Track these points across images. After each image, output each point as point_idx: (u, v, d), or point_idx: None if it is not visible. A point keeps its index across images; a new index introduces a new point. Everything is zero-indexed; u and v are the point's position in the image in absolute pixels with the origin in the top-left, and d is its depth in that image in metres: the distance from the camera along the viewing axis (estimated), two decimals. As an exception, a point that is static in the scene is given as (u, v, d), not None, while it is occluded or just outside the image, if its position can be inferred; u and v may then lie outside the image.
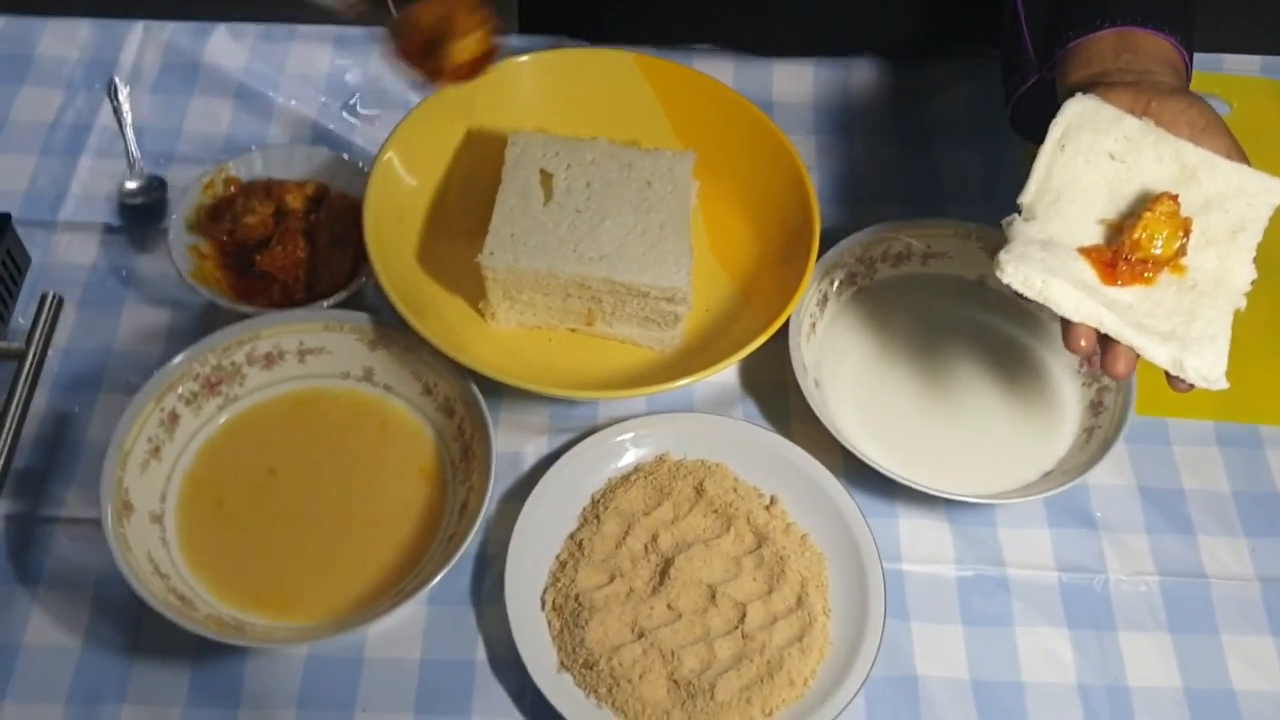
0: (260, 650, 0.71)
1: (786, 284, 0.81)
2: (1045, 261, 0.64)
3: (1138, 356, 0.64)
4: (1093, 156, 0.68)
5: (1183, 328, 0.64)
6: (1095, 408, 0.81)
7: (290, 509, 0.75)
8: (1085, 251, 0.66)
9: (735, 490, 0.78)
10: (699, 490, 0.77)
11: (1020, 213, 0.69)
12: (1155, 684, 0.73)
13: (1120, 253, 0.66)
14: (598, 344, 0.84)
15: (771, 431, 0.81)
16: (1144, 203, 0.67)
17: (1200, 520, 0.80)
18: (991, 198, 0.96)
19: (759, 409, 0.84)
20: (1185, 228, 0.66)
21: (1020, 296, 0.65)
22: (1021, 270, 0.64)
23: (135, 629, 0.72)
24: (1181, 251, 0.66)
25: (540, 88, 0.91)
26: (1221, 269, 0.67)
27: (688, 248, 0.80)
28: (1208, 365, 0.63)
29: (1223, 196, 0.68)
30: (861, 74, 1.03)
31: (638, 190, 0.82)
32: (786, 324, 0.80)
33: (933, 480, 0.76)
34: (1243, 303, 0.66)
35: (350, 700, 0.70)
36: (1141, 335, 0.64)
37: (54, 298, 0.84)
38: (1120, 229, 0.67)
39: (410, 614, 0.73)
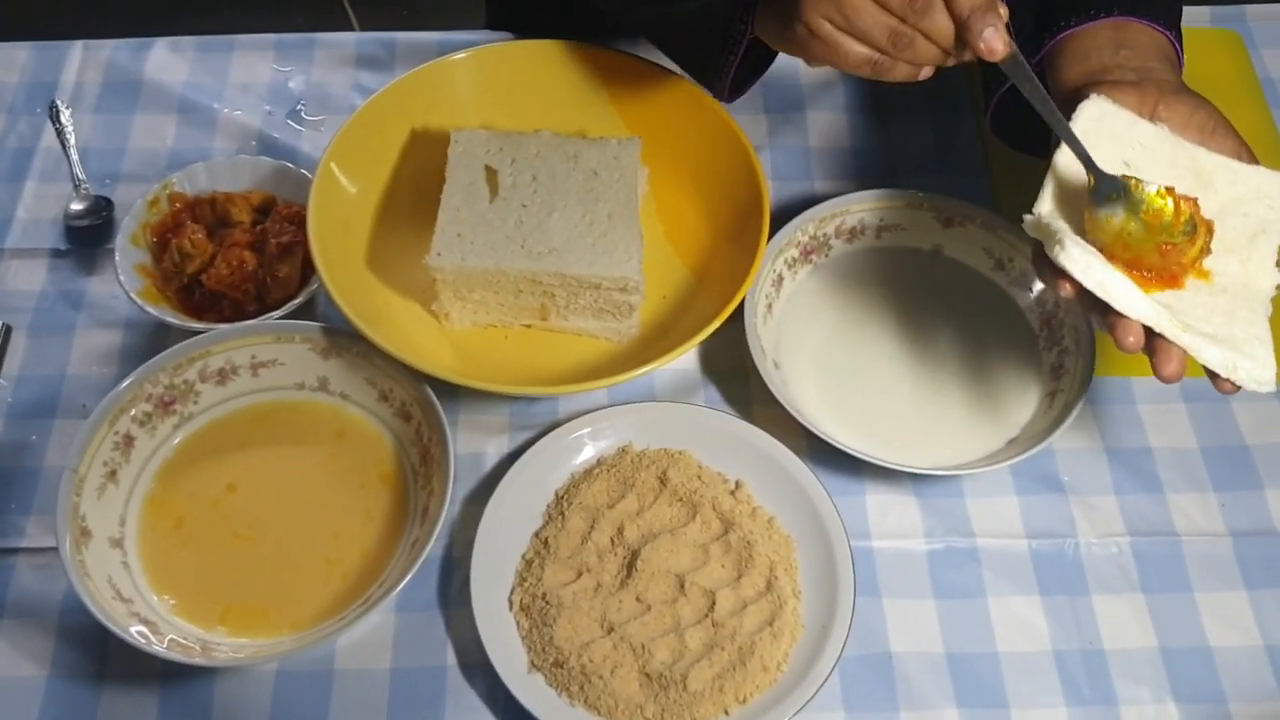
0: (229, 669, 0.70)
1: (739, 266, 0.80)
2: (1089, 250, 0.62)
3: (1186, 359, 0.62)
4: (1109, 164, 0.65)
5: (1225, 329, 0.63)
6: (1056, 371, 0.81)
7: (251, 524, 0.75)
8: (1111, 256, 0.64)
9: (699, 477, 0.77)
10: (663, 480, 0.76)
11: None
12: (1130, 645, 0.73)
13: (1140, 254, 0.64)
14: (554, 339, 0.84)
15: (734, 416, 0.80)
16: None
17: (1169, 478, 0.80)
18: (944, 169, 0.95)
19: (720, 394, 0.83)
20: (1209, 228, 0.65)
21: (1048, 276, 0.63)
22: (1084, 257, 0.61)
23: (101, 656, 0.71)
24: (1206, 252, 0.65)
25: (482, 83, 0.90)
26: (1245, 274, 0.66)
27: (637, 236, 0.79)
28: (1260, 368, 0.62)
29: (1240, 201, 0.67)
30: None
31: (584, 181, 0.82)
32: (743, 306, 0.79)
33: (897, 455, 0.76)
34: (1270, 308, 0.65)
35: (323, 713, 0.70)
36: (1192, 336, 0.61)
37: (2, 327, 0.83)
38: None
39: (378, 623, 0.72)
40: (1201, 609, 0.75)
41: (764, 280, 0.83)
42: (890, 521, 0.78)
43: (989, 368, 0.83)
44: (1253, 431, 0.82)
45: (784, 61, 1.00)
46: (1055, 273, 0.63)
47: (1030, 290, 0.84)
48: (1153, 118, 0.68)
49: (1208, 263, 0.65)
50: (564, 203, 0.80)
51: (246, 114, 0.97)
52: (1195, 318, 0.63)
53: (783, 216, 0.85)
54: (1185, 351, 0.62)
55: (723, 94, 0.82)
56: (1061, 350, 0.81)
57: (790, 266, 0.85)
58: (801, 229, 0.85)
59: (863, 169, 0.95)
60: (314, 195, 0.80)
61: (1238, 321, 0.64)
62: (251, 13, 1.25)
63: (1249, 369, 0.62)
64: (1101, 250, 0.63)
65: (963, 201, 0.86)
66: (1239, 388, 0.63)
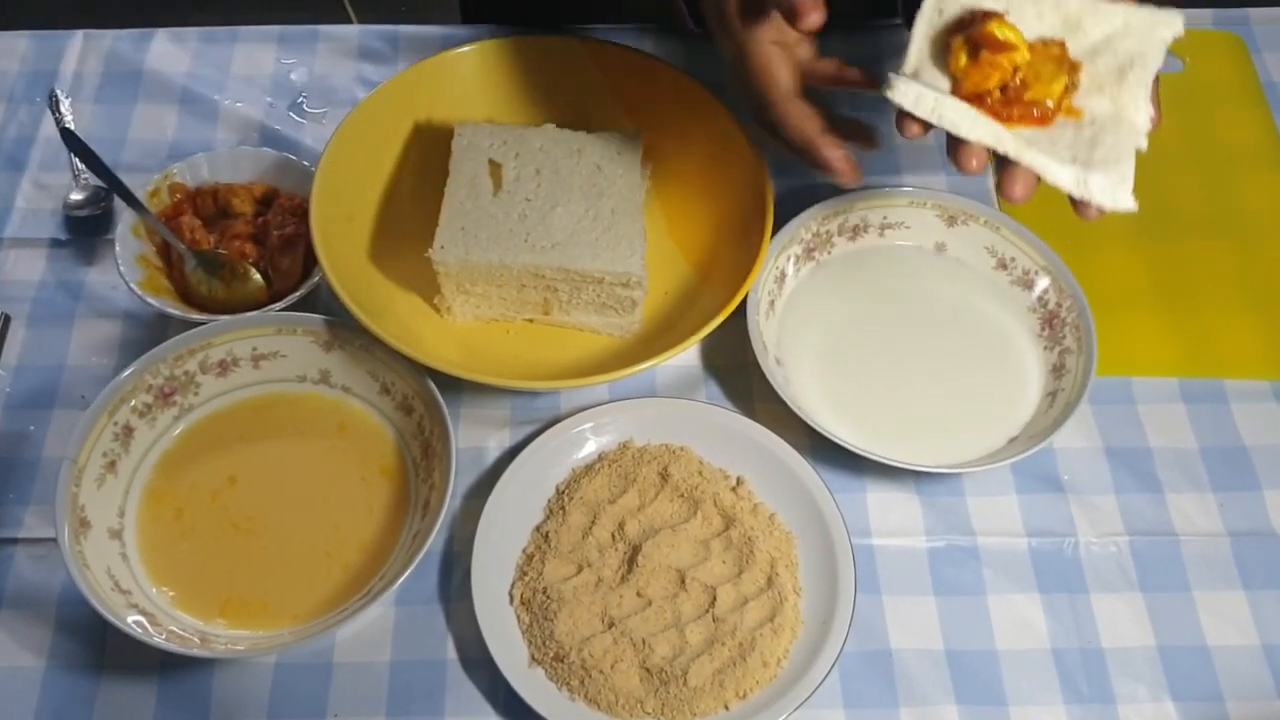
0: (228, 660, 0.70)
1: (743, 262, 0.80)
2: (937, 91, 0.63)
3: (1038, 181, 0.63)
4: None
5: (1085, 154, 0.63)
6: (1057, 371, 0.81)
7: (252, 516, 0.74)
8: (974, 99, 0.65)
9: (700, 473, 0.77)
10: (664, 475, 0.76)
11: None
12: (1129, 644, 0.73)
13: (1008, 94, 0.65)
14: (556, 334, 0.84)
15: (735, 412, 0.80)
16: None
17: (1168, 478, 0.80)
18: (948, 165, 0.94)
19: (722, 390, 0.83)
20: (1072, 67, 0.66)
21: (900, 124, 0.64)
22: (913, 89, 0.62)
23: (100, 646, 0.71)
24: (1071, 88, 0.65)
25: (487, 78, 0.90)
26: (1116, 108, 0.66)
27: (640, 231, 0.79)
28: (1113, 184, 0.62)
29: (1109, 40, 0.67)
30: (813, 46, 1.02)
31: (588, 175, 0.82)
32: (745, 303, 0.79)
33: (899, 453, 0.76)
34: (1144, 143, 0.65)
35: (321, 706, 0.70)
36: (1036, 154, 0.62)
37: (2, 316, 0.82)
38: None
39: (378, 616, 0.72)
40: (1200, 608, 0.75)
41: (766, 277, 0.83)
42: (891, 519, 0.78)
43: (990, 367, 0.83)
44: (1251, 432, 0.82)
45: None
46: (902, 117, 0.64)
47: (1032, 290, 0.84)
48: None
49: (1078, 101, 0.66)
50: (567, 197, 0.80)
51: (248, 106, 0.97)
52: (1057, 148, 0.63)
53: (785, 213, 0.85)
54: (1036, 175, 0.62)
55: (685, 22, 0.79)
56: (1063, 350, 0.81)
57: (793, 263, 0.85)
58: (805, 226, 0.85)
59: (866, 166, 0.94)
60: (317, 187, 0.80)
61: (1099, 147, 0.64)
62: (251, 6, 1.24)
63: (1100, 185, 0.62)
64: (956, 93, 0.64)
65: (966, 199, 0.86)
66: (1101, 211, 0.63)
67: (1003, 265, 0.85)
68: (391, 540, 0.73)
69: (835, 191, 0.87)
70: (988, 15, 0.65)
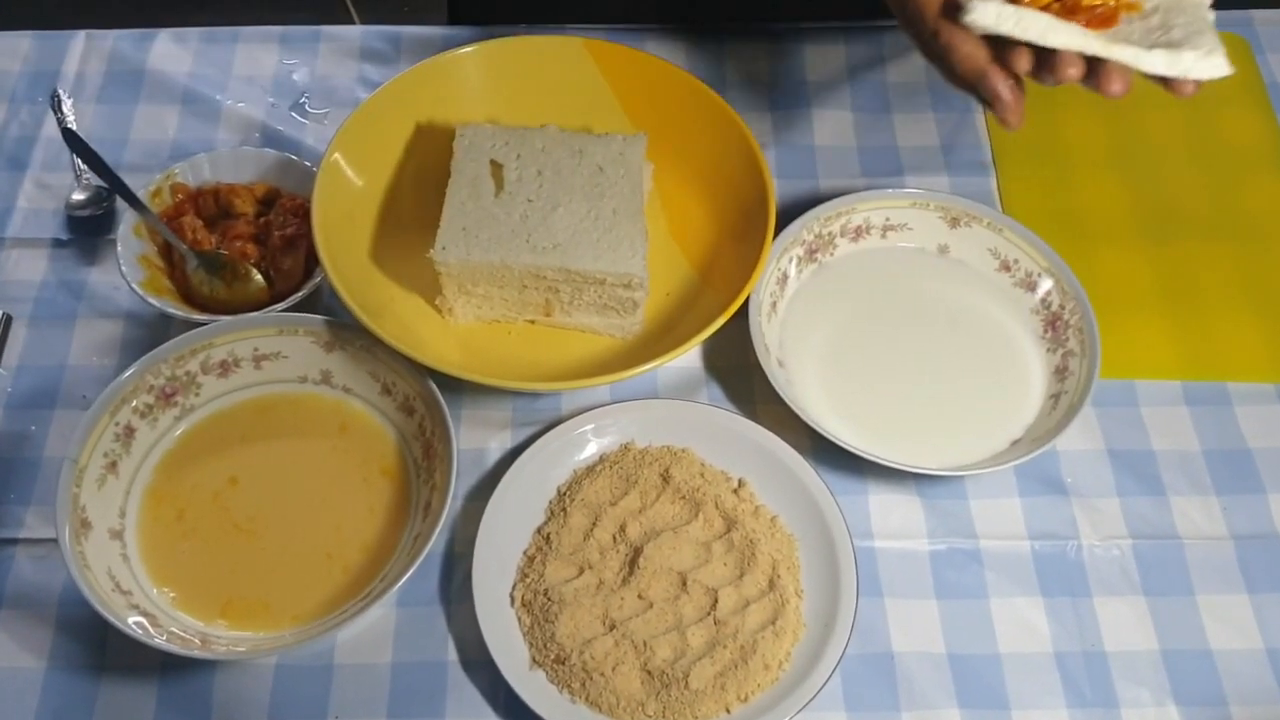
0: (229, 662, 0.70)
1: (745, 264, 0.80)
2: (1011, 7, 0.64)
3: (1131, 73, 0.63)
4: None
5: (1162, 38, 0.64)
6: (1060, 373, 0.80)
7: (253, 517, 0.74)
8: (1043, 7, 0.65)
9: (702, 475, 0.77)
10: (665, 477, 0.76)
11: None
12: (1132, 648, 0.73)
13: (1066, 7, 0.65)
14: (558, 334, 0.84)
15: (737, 414, 0.80)
16: None
17: (1171, 481, 0.80)
18: (950, 166, 0.95)
19: (724, 392, 0.83)
20: None
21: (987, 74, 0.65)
22: (991, 8, 0.63)
23: (100, 647, 0.71)
24: None
25: (488, 78, 0.89)
26: None
27: (642, 232, 0.79)
28: (1205, 54, 0.63)
29: None
30: (815, 47, 1.02)
31: (590, 176, 0.81)
32: (747, 304, 0.79)
33: (901, 455, 0.76)
34: (1211, 15, 0.66)
35: (322, 707, 0.70)
36: (1124, 47, 0.63)
37: (3, 316, 0.82)
38: None
39: (379, 617, 0.72)
40: (1203, 611, 0.74)
41: (768, 278, 0.82)
42: (893, 521, 0.77)
43: (993, 369, 0.83)
44: (1255, 435, 0.82)
45: (790, 59, 1.01)
46: (1007, 49, 0.64)
47: (1035, 292, 0.84)
48: None
49: None
50: (569, 198, 0.80)
51: (250, 106, 0.97)
52: (1131, 41, 0.64)
53: (787, 214, 0.85)
54: (1128, 69, 0.63)
55: None
56: (1066, 352, 0.81)
57: (796, 265, 0.85)
58: (807, 227, 0.85)
59: (868, 167, 0.95)
60: (319, 188, 0.80)
61: (1174, 29, 0.65)
62: (253, 6, 1.24)
63: (1193, 58, 0.63)
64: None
65: (969, 201, 0.86)
66: (1198, 84, 0.64)
67: (1005, 267, 0.85)
68: (392, 541, 0.73)
69: (838, 192, 0.87)
70: None
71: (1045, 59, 0.64)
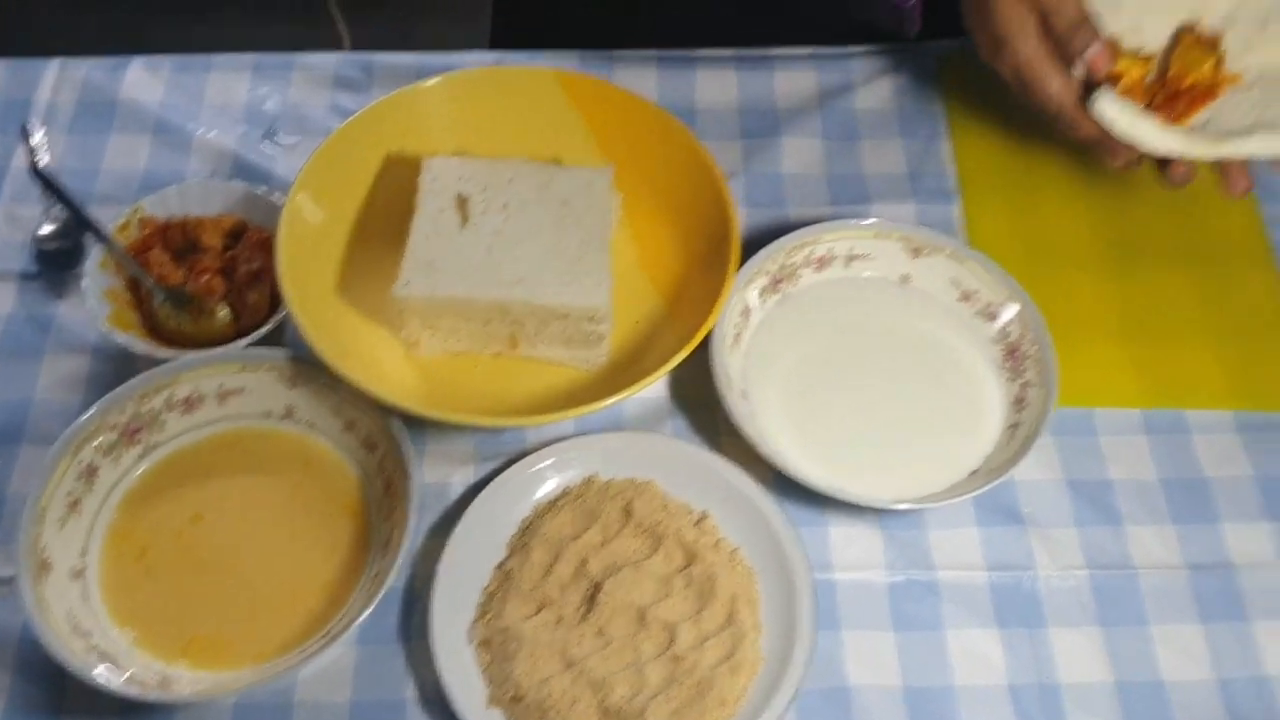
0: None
1: (710, 295, 0.80)
2: (1128, 104, 0.73)
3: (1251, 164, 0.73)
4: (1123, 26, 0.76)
5: (1264, 116, 0.72)
6: (1019, 404, 0.81)
7: (215, 555, 0.75)
8: (1150, 106, 0.75)
9: (664, 509, 0.77)
10: (627, 511, 0.77)
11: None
12: (1086, 679, 0.74)
13: (1168, 91, 0.75)
14: (524, 366, 0.84)
15: (701, 446, 0.81)
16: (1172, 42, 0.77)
17: (1128, 510, 0.80)
18: (918, 193, 0.95)
19: (689, 423, 0.84)
20: (1212, 42, 0.76)
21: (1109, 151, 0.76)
22: (1112, 107, 0.72)
23: (60, 690, 0.71)
24: (1220, 61, 0.75)
25: (458, 109, 0.90)
26: (1268, 61, 0.75)
27: (606, 265, 0.80)
28: None
29: (1239, 3, 0.76)
30: (785, 73, 1.02)
31: (555, 209, 0.82)
32: (711, 336, 0.79)
33: (862, 485, 0.77)
34: None
35: (283, 744, 0.70)
36: (1225, 144, 0.71)
37: (-30, 351, 0.83)
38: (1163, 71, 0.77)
39: (339, 656, 0.73)
40: (1157, 642, 0.75)
41: (733, 310, 0.83)
42: (853, 553, 0.78)
43: (954, 399, 0.83)
44: (1211, 464, 0.82)
45: (759, 87, 1.02)
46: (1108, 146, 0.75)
47: (995, 322, 0.85)
48: None
49: (1232, 66, 0.75)
50: (535, 231, 0.81)
51: (222, 135, 0.97)
52: (1236, 119, 0.72)
53: (756, 243, 0.85)
54: (1241, 160, 0.72)
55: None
56: (1024, 383, 0.82)
57: (760, 296, 0.86)
58: (771, 258, 0.86)
59: (836, 195, 0.96)
60: (283, 223, 0.80)
61: (1271, 107, 0.72)
62: (237, 24, 1.25)
63: None
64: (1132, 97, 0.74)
65: (932, 231, 0.86)
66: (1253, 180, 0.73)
67: (966, 297, 0.86)
68: (354, 579, 0.74)
69: (806, 220, 0.88)
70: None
71: (1160, 163, 0.75)
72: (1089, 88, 0.74)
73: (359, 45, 1.18)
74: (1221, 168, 0.73)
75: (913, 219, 0.94)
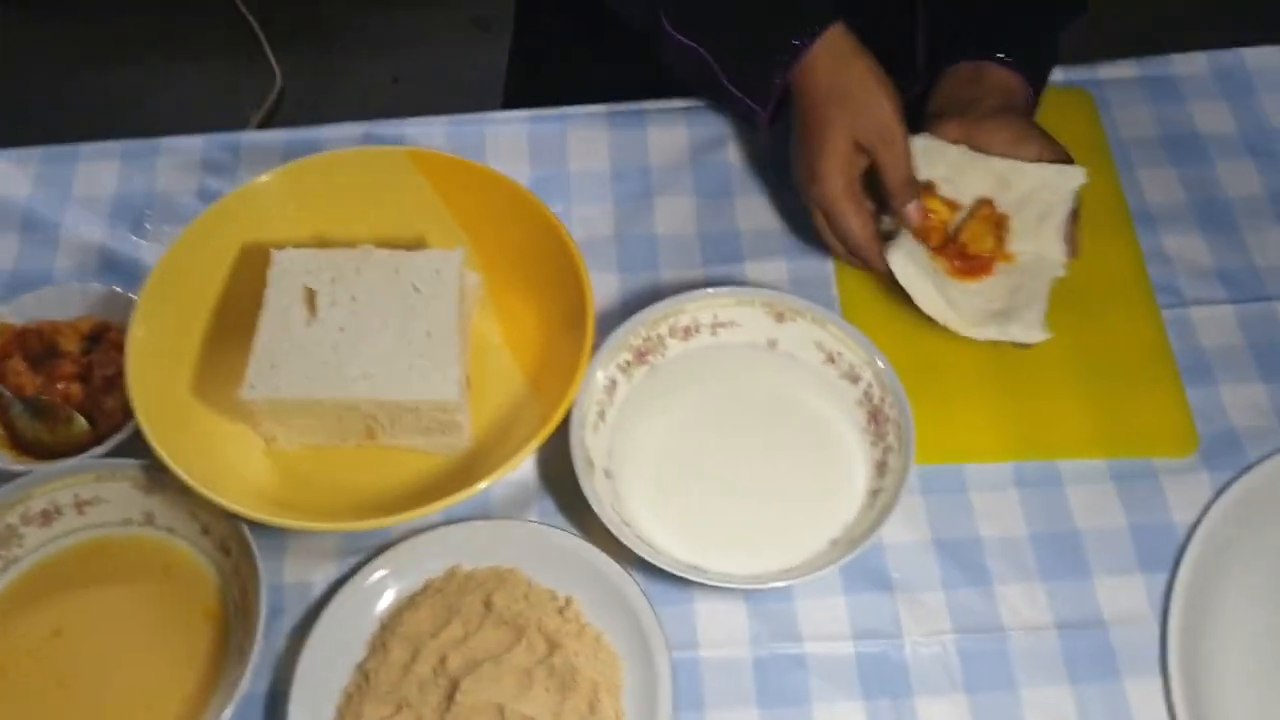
0: (48, 823, 0.70)
1: (570, 373, 0.80)
2: (919, 259, 0.82)
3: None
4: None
5: (1009, 302, 0.82)
6: (880, 469, 0.81)
7: (74, 671, 0.74)
8: (938, 251, 0.85)
9: (527, 598, 0.77)
10: (488, 604, 0.76)
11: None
12: (952, 749, 0.73)
13: (957, 250, 0.85)
14: (387, 455, 0.84)
15: (566, 530, 0.80)
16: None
17: (997, 569, 0.80)
18: (788, 251, 0.95)
19: (557, 503, 0.83)
20: (999, 223, 0.85)
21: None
22: (903, 262, 0.81)
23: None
24: (1000, 241, 0.85)
25: (311, 196, 0.89)
26: (1039, 250, 0.84)
27: (455, 353, 0.79)
28: (1027, 325, 0.80)
29: (1033, 193, 0.85)
30: (656, 129, 1.02)
31: (404, 297, 0.81)
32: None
33: (728, 559, 0.77)
34: (1062, 271, 0.84)
35: None
36: (970, 327, 0.81)
37: None
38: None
39: (196, 769, 0.72)
40: (1025, 706, 0.75)
41: (595, 386, 0.83)
42: (718, 630, 0.78)
43: (820, 466, 0.83)
44: (1083, 514, 0.82)
45: (633, 150, 1.01)
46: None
47: (858, 384, 0.84)
48: (969, 140, 0.85)
49: (1011, 247, 0.85)
50: (382, 323, 0.80)
51: (89, 229, 0.96)
52: (996, 298, 0.83)
53: (629, 309, 0.85)
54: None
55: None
56: (886, 447, 0.81)
57: (624, 370, 0.85)
58: (633, 332, 0.85)
59: (708, 255, 0.95)
60: (132, 327, 0.79)
61: (1021, 291, 0.82)
62: (172, 62, 1.24)
63: (1016, 331, 0.80)
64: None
65: (793, 297, 0.86)
66: (1028, 344, 0.81)
67: (831, 360, 0.85)
68: (211, 688, 0.74)
69: (679, 284, 0.88)
70: (927, 187, 0.86)
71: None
72: (888, 234, 0.84)
73: (294, 77, 1.17)
74: None
75: (786, 277, 0.94)
